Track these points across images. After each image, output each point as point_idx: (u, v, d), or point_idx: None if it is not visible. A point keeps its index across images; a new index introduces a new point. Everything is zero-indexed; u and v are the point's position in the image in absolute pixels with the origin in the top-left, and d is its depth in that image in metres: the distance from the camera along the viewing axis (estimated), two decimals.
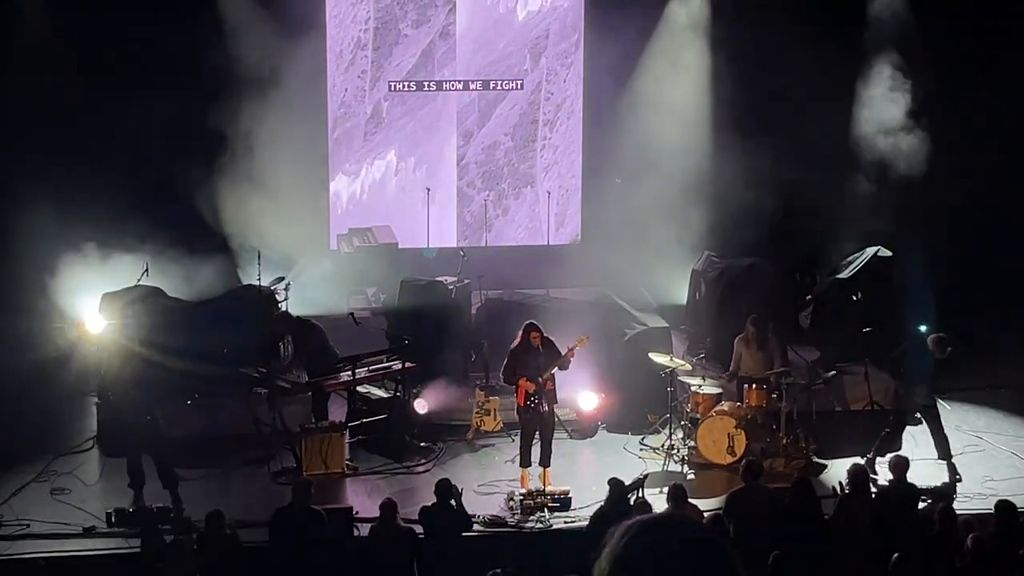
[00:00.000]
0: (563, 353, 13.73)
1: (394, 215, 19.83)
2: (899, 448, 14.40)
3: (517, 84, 19.76)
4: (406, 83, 19.65)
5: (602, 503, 12.24)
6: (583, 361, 14.48)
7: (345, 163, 19.82)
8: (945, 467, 14.32)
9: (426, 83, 19.79)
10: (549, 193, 20.27)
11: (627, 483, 12.55)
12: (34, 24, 17.99)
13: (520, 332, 13.88)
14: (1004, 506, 11.75)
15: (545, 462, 13.91)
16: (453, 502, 12.16)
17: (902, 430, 14.75)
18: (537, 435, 13.93)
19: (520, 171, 19.81)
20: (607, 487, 12.21)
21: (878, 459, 14.20)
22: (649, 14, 19.61)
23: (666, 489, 12.35)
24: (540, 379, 13.66)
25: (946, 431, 14.50)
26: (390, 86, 19.64)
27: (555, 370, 13.76)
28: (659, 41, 19.69)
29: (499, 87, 19.83)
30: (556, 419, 14.69)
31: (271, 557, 11.95)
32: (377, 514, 12.07)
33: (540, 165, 19.87)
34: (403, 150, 19.83)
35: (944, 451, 14.42)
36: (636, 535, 3.16)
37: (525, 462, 13.96)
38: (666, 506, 12.14)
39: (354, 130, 19.66)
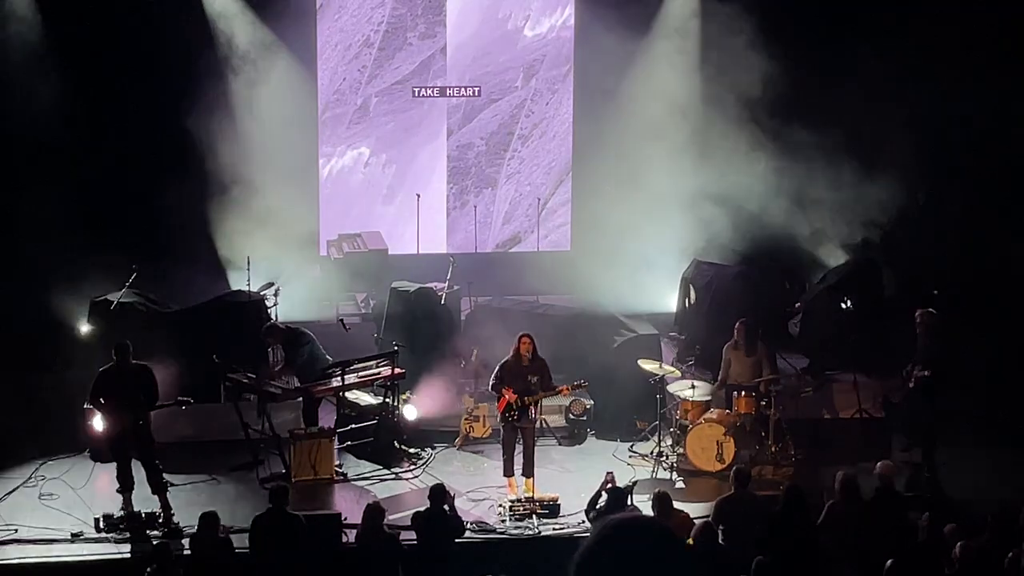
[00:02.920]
0: (557, 387, 13.96)
1: (353, 205, 20.18)
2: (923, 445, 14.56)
3: (499, 84, 20.17)
4: (399, 85, 20.08)
5: (600, 507, 12.26)
6: (573, 367, 14.53)
7: (323, 145, 20.14)
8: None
9: (417, 89, 20.04)
10: (538, 200, 20.38)
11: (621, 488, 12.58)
12: (25, 26, 17.96)
13: (514, 342, 13.98)
14: (1002, 509, 11.77)
15: (528, 472, 13.93)
16: (447, 507, 12.17)
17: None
18: (520, 444, 13.98)
19: (486, 173, 20.46)
20: (605, 494, 12.23)
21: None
22: (641, 16, 19.75)
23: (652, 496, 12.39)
24: (525, 400, 13.74)
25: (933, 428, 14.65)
26: (388, 95, 20.09)
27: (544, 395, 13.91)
28: (648, 51, 19.83)
29: (487, 95, 20.27)
30: (544, 425, 14.71)
31: (250, 562, 11.94)
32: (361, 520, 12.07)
33: (504, 172, 20.52)
34: (378, 146, 20.26)
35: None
36: (604, 535, 3.34)
37: (508, 471, 13.99)
38: (652, 513, 12.16)
39: (341, 116, 20.11)
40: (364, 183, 20.26)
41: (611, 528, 3.37)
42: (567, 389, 14.05)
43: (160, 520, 13.18)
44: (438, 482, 12.74)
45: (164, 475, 13.47)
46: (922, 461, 14.61)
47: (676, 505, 12.26)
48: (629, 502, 12.68)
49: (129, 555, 12.66)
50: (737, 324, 15.31)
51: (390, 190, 20.30)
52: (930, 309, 14.81)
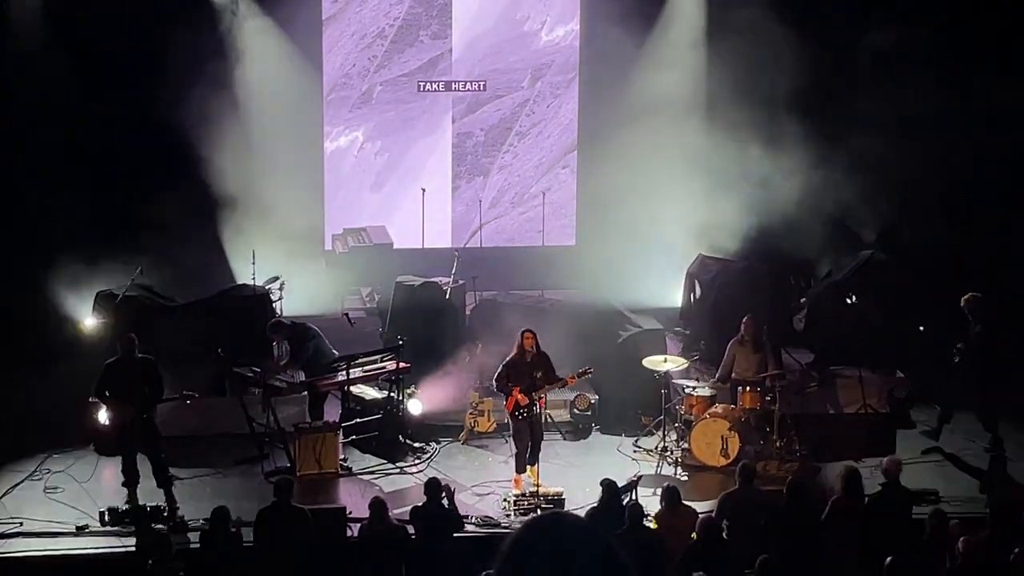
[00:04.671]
0: (563, 377, 13.93)
1: (340, 188, 20.44)
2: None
3: (505, 82, 20.64)
4: (405, 78, 20.39)
5: (595, 504, 12.25)
6: (577, 362, 14.53)
7: (325, 125, 20.34)
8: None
9: (422, 83, 20.35)
10: (542, 194, 20.43)
11: (620, 485, 12.57)
12: (27, 22, 17.95)
13: (517, 339, 13.97)
14: (1000, 506, 11.77)
15: (533, 459, 13.99)
16: (445, 501, 12.17)
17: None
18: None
19: (481, 163, 20.90)
20: (600, 488, 12.22)
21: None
22: (646, 20, 19.81)
23: (659, 490, 12.39)
24: (533, 395, 13.76)
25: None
26: (394, 88, 20.40)
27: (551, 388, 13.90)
28: (654, 50, 19.90)
29: (492, 89, 20.64)
30: (549, 420, 14.71)
31: (255, 556, 11.95)
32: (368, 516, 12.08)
33: (497, 164, 20.95)
34: (374, 132, 20.53)
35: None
36: (530, 534, 3.27)
37: (521, 468, 14.00)
38: (660, 507, 12.18)
39: (345, 100, 20.42)
40: (354, 167, 20.52)
41: (530, 528, 3.28)
42: (572, 378, 14.00)
43: (165, 514, 13.18)
44: (432, 476, 12.73)
45: (169, 469, 13.48)
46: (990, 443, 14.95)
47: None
48: (634, 497, 12.70)
49: (134, 548, 12.65)
50: (744, 320, 15.29)
51: (379, 178, 20.57)
52: (976, 294, 15.02)
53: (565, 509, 13.17)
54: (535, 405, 13.87)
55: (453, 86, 20.50)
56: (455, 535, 12.30)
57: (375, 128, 20.45)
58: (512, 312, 16.76)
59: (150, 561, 11.39)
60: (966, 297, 15.01)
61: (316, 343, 15.21)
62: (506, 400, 13.98)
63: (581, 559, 3.20)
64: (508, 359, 14.01)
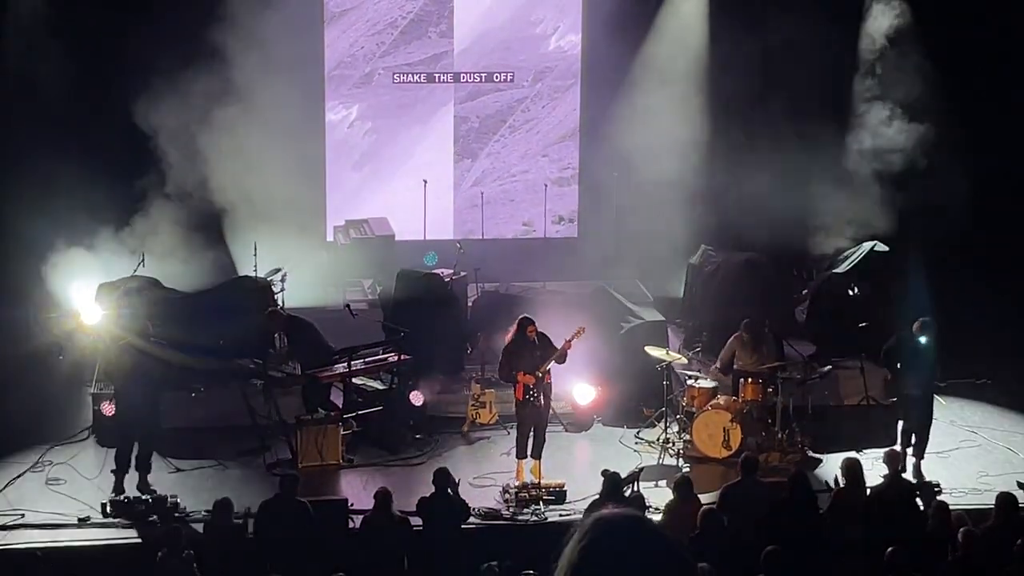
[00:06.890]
0: (560, 345, 13.73)
1: (344, 178, 20.59)
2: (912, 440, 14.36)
3: (508, 76, 20.90)
4: (412, 73, 20.60)
5: (597, 496, 12.25)
6: (579, 354, 14.51)
7: (327, 109, 20.57)
8: (915, 463, 14.22)
9: (424, 75, 20.49)
10: (544, 186, 20.42)
11: (622, 476, 12.57)
12: (27, 11, 17.93)
13: (514, 327, 13.85)
14: (1005, 499, 11.77)
15: (537, 454, 13.93)
16: (450, 490, 12.18)
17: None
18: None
19: (471, 147, 21.18)
20: (601, 479, 12.22)
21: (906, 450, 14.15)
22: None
23: (664, 481, 12.40)
24: (539, 372, 13.65)
25: (930, 430, 14.41)
26: (394, 77, 20.50)
27: (553, 363, 13.78)
28: (656, 46, 19.92)
29: (493, 80, 20.87)
30: (552, 412, 14.71)
31: (256, 548, 11.96)
32: (372, 506, 12.08)
33: (485, 151, 21.21)
34: (367, 112, 20.67)
35: (920, 449, 14.30)
36: (597, 533, 3.17)
37: (522, 454, 13.99)
38: (671, 497, 12.18)
39: (346, 78, 20.59)
40: (340, 142, 20.57)
41: (600, 529, 3.19)
42: (568, 344, 13.78)
43: (168, 505, 13.15)
44: (441, 466, 12.74)
45: (171, 460, 13.47)
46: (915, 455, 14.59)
47: None
48: (636, 488, 12.70)
49: (138, 540, 12.64)
50: (742, 324, 15.18)
51: (362, 157, 20.66)
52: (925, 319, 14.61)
53: (567, 504, 13.19)
54: (541, 383, 13.76)
55: (461, 78, 20.66)
56: (461, 525, 12.32)
57: (368, 109, 20.52)
58: (514, 304, 16.75)
59: (159, 553, 11.38)
60: (917, 322, 14.31)
61: (309, 335, 15.18)
62: (514, 389, 13.91)
63: (656, 564, 3.15)
64: (507, 347, 13.87)
